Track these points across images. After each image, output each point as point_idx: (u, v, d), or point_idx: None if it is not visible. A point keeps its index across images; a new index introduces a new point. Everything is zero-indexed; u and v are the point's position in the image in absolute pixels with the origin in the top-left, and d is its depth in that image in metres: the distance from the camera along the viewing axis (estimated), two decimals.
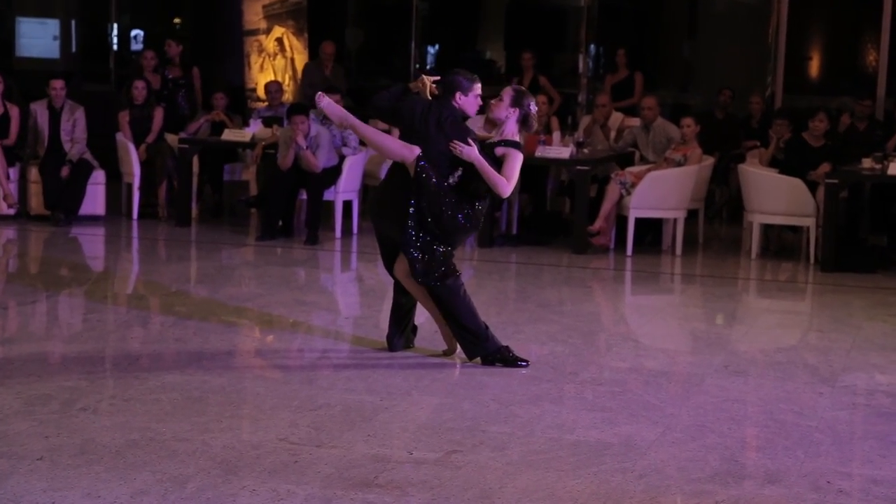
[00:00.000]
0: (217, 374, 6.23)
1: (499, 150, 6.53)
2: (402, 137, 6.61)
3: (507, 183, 6.45)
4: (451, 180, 6.46)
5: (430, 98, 6.61)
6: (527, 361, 6.57)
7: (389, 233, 6.58)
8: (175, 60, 12.95)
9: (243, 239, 11.03)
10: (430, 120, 6.50)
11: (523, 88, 6.75)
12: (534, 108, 6.62)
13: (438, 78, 6.69)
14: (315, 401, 5.81)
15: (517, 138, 6.63)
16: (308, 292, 8.70)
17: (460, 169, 6.48)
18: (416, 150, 6.39)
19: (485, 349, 6.57)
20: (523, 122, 6.61)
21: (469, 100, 6.58)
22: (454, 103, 6.56)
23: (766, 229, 10.81)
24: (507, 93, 6.61)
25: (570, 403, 5.97)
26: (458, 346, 6.66)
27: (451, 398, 5.96)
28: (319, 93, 6.83)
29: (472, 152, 6.41)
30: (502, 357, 6.56)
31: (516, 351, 6.63)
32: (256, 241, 10.68)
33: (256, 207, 11.82)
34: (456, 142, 6.42)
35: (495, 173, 6.43)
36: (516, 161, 6.50)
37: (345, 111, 6.84)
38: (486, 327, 6.60)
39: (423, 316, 6.99)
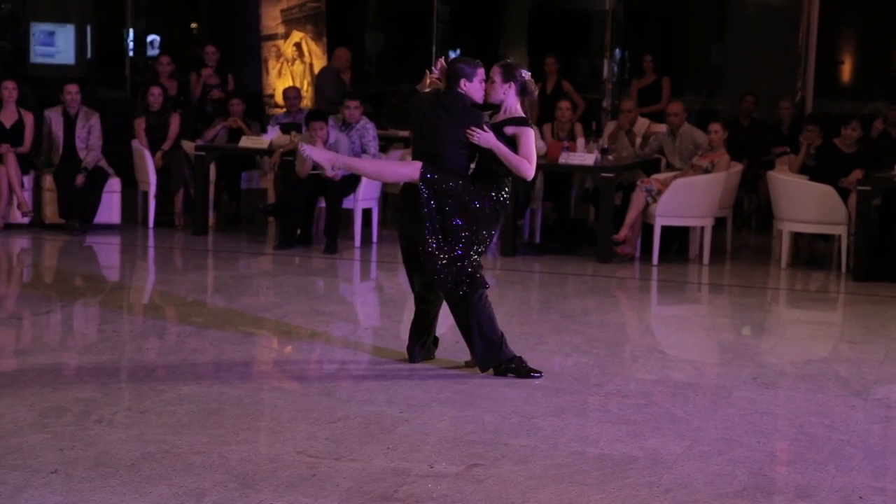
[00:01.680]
0: (234, 386, 6.18)
1: (509, 130, 6.45)
2: (413, 136, 6.60)
3: (528, 164, 6.39)
4: (470, 166, 6.42)
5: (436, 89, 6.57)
6: (540, 373, 6.48)
7: (416, 237, 6.48)
8: (213, 67, 12.94)
9: (261, 248, 10.97)
10: (439, 109, 6.45)
11: (508, 61, 6.66)
12: (526, 74, 6.51)
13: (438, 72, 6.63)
14: (334, 413, 5.75)
15: (522, 113, 6.52)
16: (327, 302, 8.63)
17: (477, 155, 6.44)
18: (419, 166, 6.34)
19: (498, 359, 6.48)
20: (522, 92, 6.51)
21: (474, 85, 6.50)
22: (460, 91, 6.49)
23: (797, 238, 10.68)
24: (496, 72, 6.53)
25: (595, 416, 5.90)
26: (474, 356, 6.56)
27: (472, 410, 5.89)
28: (301, 143, 6.77)
29: (489, 138, 6.35)
30: (516, 368, 6.48)
31: (530, 362, 6.54)
32: (274, 250, 10.62)
33: (274, 216, 11.75)
34: (472, 128, 6.33)
35: (515, 156, 6.36)
36: (529, 138, 6.43)
37: (333, 154, 6.80)
38: (502, 335, 6.51)
39: (444, 327, 6.90)
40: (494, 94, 6.51)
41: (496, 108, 6.62)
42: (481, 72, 6.52)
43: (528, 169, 6.39)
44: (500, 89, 6.49)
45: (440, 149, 6.38)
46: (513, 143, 6.41)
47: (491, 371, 6.51)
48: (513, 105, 6.50)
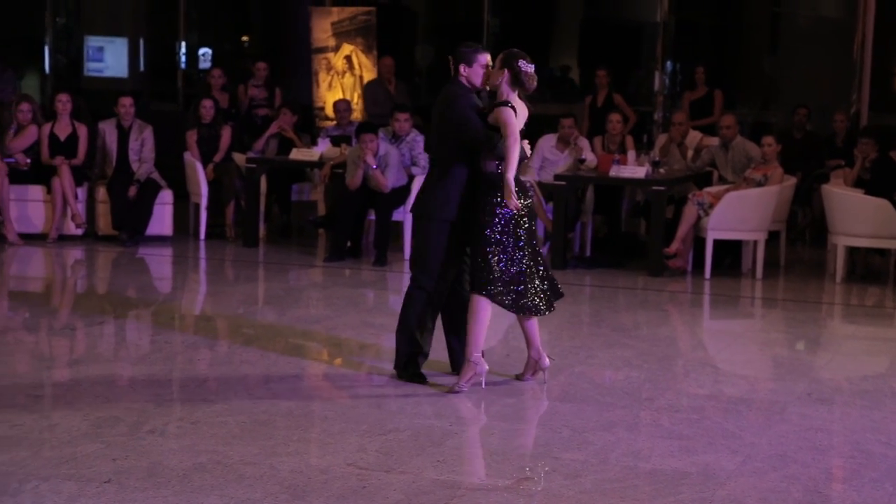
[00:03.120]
0: (284, 398, 6.18)
1: (490, 118, 6.35)
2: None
3: (511, 143, 6.18)
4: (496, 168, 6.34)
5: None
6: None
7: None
8: (262, 82, 12.99)
9: (311, 260, 10.99)
10: (439, 110, 6.44)
11: (514, 50, 6.45)
12: (525, 66, 6.34)
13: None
14: (384, 425, 5.73)
15: (509, 98, 6.34)
16: (377, 314, 8.62)
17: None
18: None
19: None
20: (514, 81, 6.33)
21: (474, 70, 6.43)
22: (461, 78, 6.43)
23: (852, 252, 10.56)
24: (499, 58, 6.42)
25: (646, 431, 5.84)
26: (528, 370, 6.53)
27: (522, 424, 5.86)
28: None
29: (511, 201, 6.20)
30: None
31: (581, 376, 6.56)
32: (324, 263, 10.63)
33: (324, 228, 11.78)
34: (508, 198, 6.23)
35: (510, 157, 6.18)
36: (505, 114, 6.24)
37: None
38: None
39: (494, 339, 6.87)
40: (492, 79, 6.40)
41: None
42: (483, 56, 6.42)
43: (514, 146, 6.19)
44: (496, 75, 6.38)
45: (462, 147, 6.38)
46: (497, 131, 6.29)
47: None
48: (506, 93, 6.35)
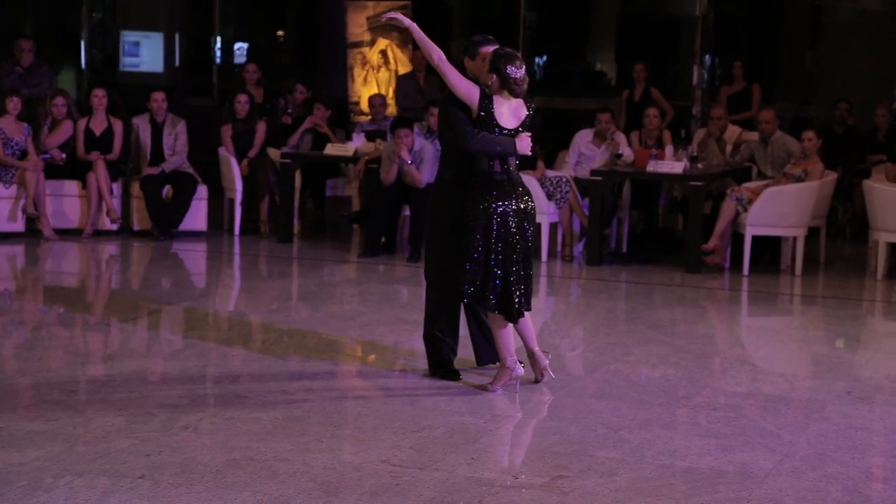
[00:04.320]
0: (318, 394, 6.17)
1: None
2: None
3: (439, 62, 6.18)
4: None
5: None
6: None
7: None
8: (299, 102, 12.89)
9: (345, 256, 10.99)
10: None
11: (505, 50, 6.24)
12: (513, 71, 6.15)
13: None
14: (418, 422, 5.71)
15: (493, 98, 6.20)
16: (411, 311, 8.59)
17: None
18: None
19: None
20: (501, 85, 6.17)
21: (476, 63, 6.27)
22: (466, 72, 6.28)
23: (894, 248, 10.44)
24: (488, 58, 6.22)
25: (683, 429, 5.79)
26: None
27: (557, 421, 5.82)
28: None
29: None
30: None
31: (616, 373, 6.51)
32: (359, 258, 10.62)
33: (359, 223, 11.76)
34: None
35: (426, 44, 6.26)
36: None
37: None
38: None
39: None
40: (482, 79, 6.24)
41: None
42: (484, 49, 6.24)
43: (442, 64, 6.20)
44: (486, 76, 6.22)
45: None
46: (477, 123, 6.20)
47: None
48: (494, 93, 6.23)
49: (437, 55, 6.23)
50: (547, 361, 6.45)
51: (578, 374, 6.76)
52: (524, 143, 6.25)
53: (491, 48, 6.26)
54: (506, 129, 6.22)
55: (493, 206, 6.17)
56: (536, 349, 6.41)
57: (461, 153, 6.24)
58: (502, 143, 6.18)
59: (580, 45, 16.87)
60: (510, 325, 6.29)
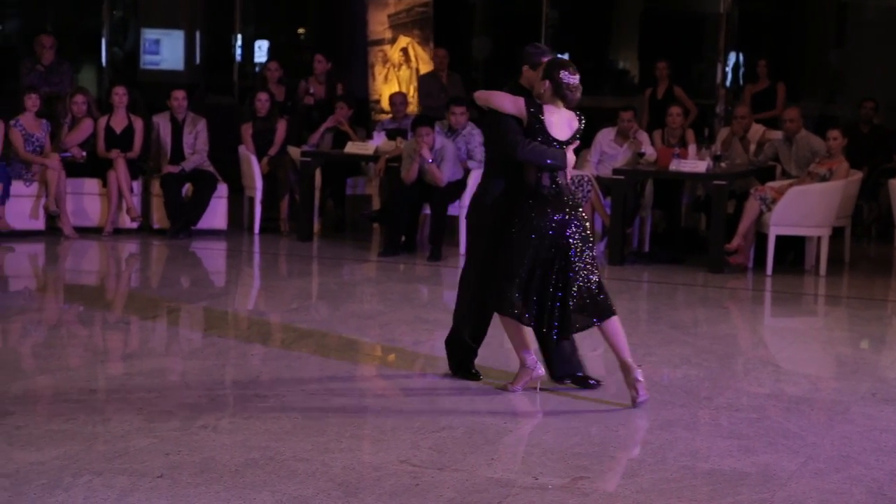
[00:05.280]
0: (337, 393, 6.16)
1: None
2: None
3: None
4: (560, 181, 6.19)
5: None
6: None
7: None
8: (321, 78, 12.89)
9: (365, 254, 10.97)
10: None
11: (556, 58, 6.22)
12: (568, 77, 6.07)
13: None
14: (437, 422, 5.69)
15: (544, 108, 6.13)
16: (431, 310, 8.59)
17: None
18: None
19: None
20: (555, 92, 6.09)
21: (536, 74, 6.18)
22: (522, 80, 6.22)
23: None
24: (541, 66, 6.15)
25: (705, 430, 5.76)
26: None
27: (578, 422, 5.79)
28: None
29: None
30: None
31: None
32: (379, 257, 10.60)
33: (379, 222, 11.75)
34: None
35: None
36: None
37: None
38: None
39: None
40: (535, 87, 6.17)
41: None
42: (546, 60, 6.17)
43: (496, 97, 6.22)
44: (539, 84, 6.14)
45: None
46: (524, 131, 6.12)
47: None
48: (546, 103, 6.15)
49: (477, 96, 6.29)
50: (639, 373, 6.09)
51: (599, 375, 6.72)
52: (571, 157, 6.19)
53: (548, 59, 6.22)
54: (557, 139, 6.11)
55: (539, 222, 6.04)
56: (629, 360, 6.13)
57: (509, 163, 6.16)
58: (553, 155, 6.07)
59: (602, 43, 16.82)
60: (517, 328, 6.15)
